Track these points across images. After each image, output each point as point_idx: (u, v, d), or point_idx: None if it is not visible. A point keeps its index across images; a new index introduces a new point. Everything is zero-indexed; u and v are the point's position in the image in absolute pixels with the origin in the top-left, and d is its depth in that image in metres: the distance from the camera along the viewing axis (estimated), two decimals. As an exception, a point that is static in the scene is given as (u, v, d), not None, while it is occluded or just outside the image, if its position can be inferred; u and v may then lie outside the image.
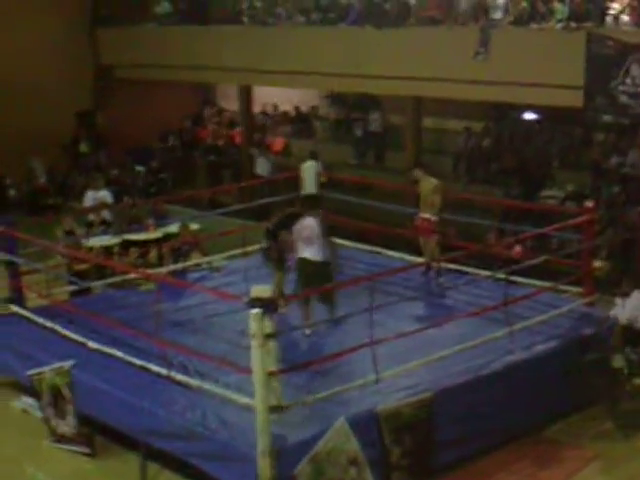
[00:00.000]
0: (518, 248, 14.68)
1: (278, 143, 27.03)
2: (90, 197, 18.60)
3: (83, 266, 16.05)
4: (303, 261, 12.91)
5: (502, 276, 12.78)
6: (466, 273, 14.58)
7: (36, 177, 25.64)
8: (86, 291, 15.38)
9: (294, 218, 13.22)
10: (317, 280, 12.62)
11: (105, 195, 18.70)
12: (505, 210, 18.38)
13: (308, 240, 12.86)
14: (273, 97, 27.80)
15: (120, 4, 27.44)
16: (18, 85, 25.07)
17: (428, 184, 14.64)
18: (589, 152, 20.79)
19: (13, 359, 12.90)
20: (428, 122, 22.41)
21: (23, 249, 14.44)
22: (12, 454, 11.75)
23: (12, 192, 24.53)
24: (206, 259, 16.33)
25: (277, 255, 13.64)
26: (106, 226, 18.00)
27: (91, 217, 18.28)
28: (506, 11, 19.08)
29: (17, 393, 13.11)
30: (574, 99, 17.39)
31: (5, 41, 25.12)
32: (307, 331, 12.62)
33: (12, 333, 13.36)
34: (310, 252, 12.83)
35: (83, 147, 27.29)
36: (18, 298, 14.14)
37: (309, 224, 12.97)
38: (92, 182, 19.52)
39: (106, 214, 18.46)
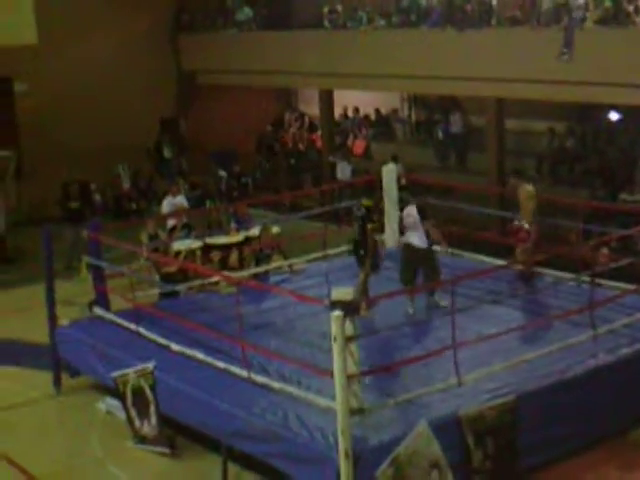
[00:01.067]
0: (605, 251, 14.40)
1: (359, 146, 27.01)
2: (168, 203, 18.89)
3: (172, 269, 16.24)
4: (409, 247, 13.64)
5: (587, 279, 12.60)
6: (550, 276, 14.40)
7: (121, 182, 25.99)
8: (173, 293, 15.56)
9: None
10: (424, 265, 13.57)
11: (182, 201, 19.03)
12: (590, 212, 18.09)
13: (412, 227, 13.53)
14: (354, 100, 27.78)
15: (202, 11, 27.76)
16: (103, 93, 25.52)
17: (522, 191, 14.46)
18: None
19: (98, 361, 13.07)
20: (510, 123, 22.19)
21: (108, 253, 14.64)
22: (96, 455, 11.90)
23: (97, 197, 24.89)
24: (287, 262, 16.37)
25: (365, 249, 13.72)
26: (188, 230, 18.15)
27: (172, 222, 18.45)
28: (588, 10, 18.79)
29: (101, 395, 13.31)
30: (658, 98, 17.14)
31: (90, 50, 25.59)
32: (410, 310, 13.33)
33: (97, 336, 13.53)
34: (415, 238, 13.51)
35: (166, 152, 27.60)
36: (103, 301, 14.33)
37: (411, 212, 13.59)
38: (170, 188, 19.80)
39: (186, 219, 18.67)
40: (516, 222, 14.64)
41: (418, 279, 13.80)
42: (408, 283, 13.72)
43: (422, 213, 13.64)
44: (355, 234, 13.86)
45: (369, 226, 13.65)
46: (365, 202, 13.85)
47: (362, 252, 13.72)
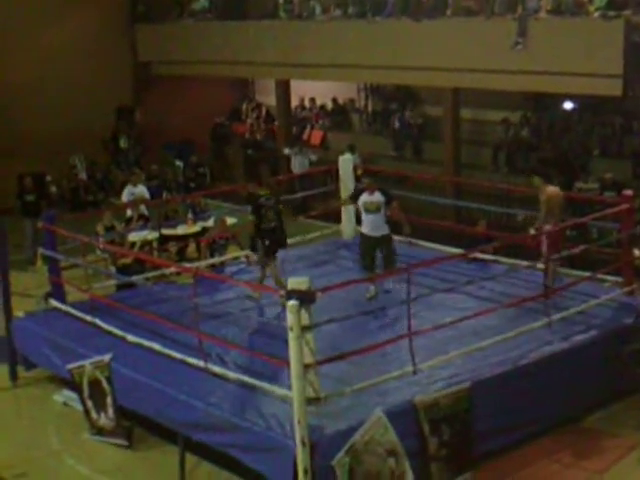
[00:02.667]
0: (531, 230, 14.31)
1: (316, 136, 27.03)
2: (128, 192, 18.79)
3: (127, 260, 16.19)
4: (367, 236, 14.01)
5: (541, 266, 12.72)
6: (505, 263, 14.52)
7: (77, 173, 25.80)
8: (130, 285, 15.50)
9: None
10: (382, 250, 14.01)
11: (142, 190, 18.91)
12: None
13: (374, 212, 13.84)
14: (310, 90, 27.78)
15: (157, 1, 27.60)
16: (57, 82, 25.28)
17: (541, 193, 13.47)
18: (630, 141, 20.59)
19: (54, 353, 13.01)
20: (466, 113, 22.29)
21: (64, 245, 14.56)
22: (54, 447, 11.88)
23: (53, 189, 24.68)
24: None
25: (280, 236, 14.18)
26: (144, 221, 18.08)
27: (129, 212, 18.40)
28: (542, 0, 18.90)
29: (58, 387, 13.27)
30: (613, 88, 17.25)
31: (43, 39, 25.33)
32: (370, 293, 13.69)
33: (53, 328, 13.46)
34: (373, 226, 13.96)
35: (122, 143, 27.43)
36: (58, 293, 14.25)
37: (374, 198, 13.83)
38: (130, 177, 19.70)
39: (144, 209, 18.60)
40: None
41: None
42: (369, 269, 13.97)
43: (387, 196, 13.84)
44: (270, 223, 13.90)
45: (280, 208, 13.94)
46: (263, 191, 13.96)
47: (268, 242, 13.87)
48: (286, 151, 25.05)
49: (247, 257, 16.08)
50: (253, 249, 14.16)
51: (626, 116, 20.78)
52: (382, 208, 13.87)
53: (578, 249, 13.29)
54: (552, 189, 13.34)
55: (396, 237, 15.45)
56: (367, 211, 13.98)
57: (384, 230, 14.00)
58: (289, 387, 9.69)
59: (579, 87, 18.30)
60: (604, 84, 17.43)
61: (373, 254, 14.08)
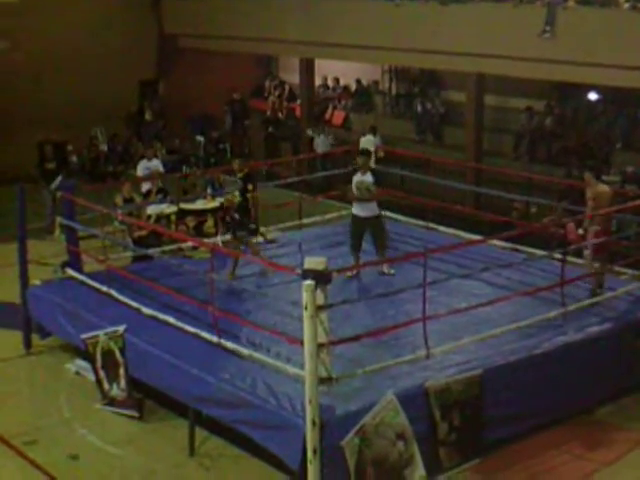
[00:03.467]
0: (579, 230, 14.28)
1: (338, 117, 26.97)
2: (142, 166, 18.73)
3: (143, 233, 16.21)
4: (358, 217, 13.94)
5: (559, 256, 12.68)
6: (523, 252, 14.48)
7: (97, 144, 25.83)
8: (145, 257, 15.53)
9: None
10: (373, 231, 13.98)
11: (157, 165, 18.84)
12: (566, 190, 18.18)
13: (366, 193, 13.76)
14: (335, 70, 27.71)
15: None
16: (82, 53, 25.29)
17: (590, 191, 12.97)
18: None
19: (68, 322, 13.05)
20: (489, 100, 22.20)
21: (82, 215, 14.59)
22: (64, 416, 11.92)
23: (74, 159, 24.71)
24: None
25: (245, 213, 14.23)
26: (163, 195, 18.09)
27: (147, 186, 18.38)
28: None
29: (71, 356, 13.33)
30: (639, 80, 17.15)
31: (71, 10, 25.30)
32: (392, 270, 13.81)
33: (68, 297, 13.49)
34: (365, 208, 13.89)
35: (148, 115, 27.42)
36: (75, 263, 14.28)
37: (365, 178, 13.77)
38: (146, 152, 19.68)
39: (159, 183, 18.61)
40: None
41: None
42: (354, 249, 14.05)
43: (377, 177, 13.91)
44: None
45: (249, 189, 13.90)
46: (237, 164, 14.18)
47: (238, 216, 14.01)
48: (309, 132, 25.03)
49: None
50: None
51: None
52: (372, 189, 13.83)
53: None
54: (603, 187, 12.93)
55: (414, 221, 15.50)
56: (358, 190, 13.94)
57: (373, 210, 13.97)
58: (302, 366, 9.70)
59: (605, 78, 18.21)
60: (630, 76, 17.34)
61: (361, 234, 14.08)
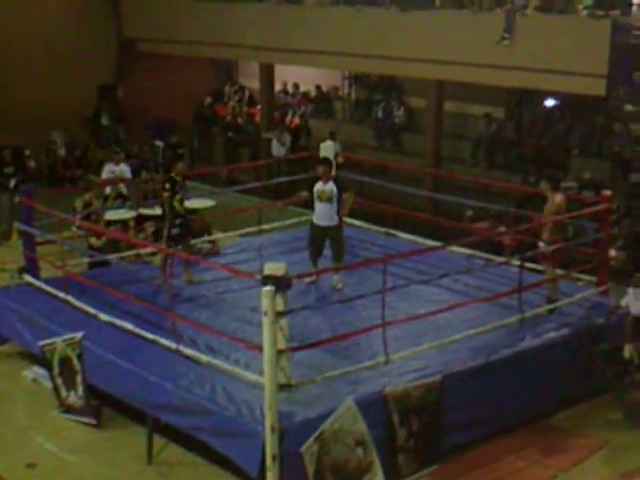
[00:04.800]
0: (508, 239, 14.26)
1: (297, 122, 26.96)
2: (108, 170, 18.65)
3: (99, 243, 16.11)
4: (318, 226, 13.81)
5: (516, 262, 12.75)
6: (481, 258, 14.55)
7: (56, 149, 25.65)
8: (102, 264, 15.42)
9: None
10: (332, 241, 13.84)
11: (123, 169, 18.75)
12: (522, 197, 18.29)
13: (327, 201, 13.63)
14: (294, 76, 27.72)
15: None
16: (40, 57, 25.07)
17: (548, 200, 12.75)
18: (610, 141, 20.65)
19: (25, 329, 12.95)
20: (449, 106, 22.30)
21: (40, 220, 14.48)
22: (21, 424, 11.81)
23: (32, 163, 24.49)
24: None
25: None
26: (122, 200, 17.99)
27: (107, 191, 18.28)
28: (531, -4, 18.95)
29: (28, 363, 13.20)
30: (597, 87, 17.32)
31: (27, 12, 25.08)
32: (339, 285, 13.65)
33: (25, 303, 13.38)
34: (325, 217, 13.72)
35: (104, 120, 27.27)
36: (32, 268, 14.17)
37: (327, 187, 13.65)
38: (112, 155, 19.58)
39: (123, 188, 18.51)
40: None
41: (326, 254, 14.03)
42: (313, 258, 13.93)
43: (341, 185, 13.77)
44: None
45: (165, 194, 13.70)
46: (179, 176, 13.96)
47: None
48: (265, 135, 24.98)
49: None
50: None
51: (607, 117, 20.83)
52: (334, 198, 13.65)
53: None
54: (561, 198, 12.70)
55: (375, 227, 15.52)
56: (319, 199, 13.70)
57: (333, 220, 13.75)
58: (261, 372, 9.69)
59: (563, 85, 18.35)
60: (588, 83, 17.50)
61: (321, 244, 13.89)
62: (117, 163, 18.88)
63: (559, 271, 13.12)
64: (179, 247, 13.69)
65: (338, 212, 13.75)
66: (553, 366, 11.70)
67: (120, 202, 17.93)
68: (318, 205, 13.76)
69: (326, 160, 14.35)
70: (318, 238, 13.91)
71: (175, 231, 13.67)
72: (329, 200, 13.65)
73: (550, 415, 11.70)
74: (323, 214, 13.74)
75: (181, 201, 13.79)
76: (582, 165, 20.02)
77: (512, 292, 12.38)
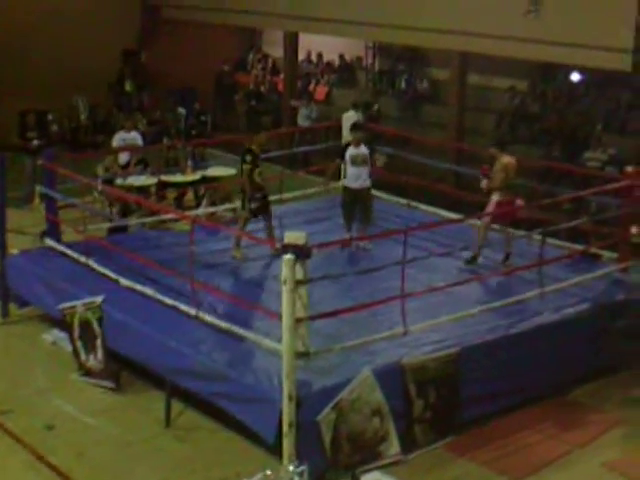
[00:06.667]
0: (519, 201, 14.25)
1: (321, 92, 26.90)
2: (119, 138, 18.39)
3: (115, 208, 16.16)
4: (351, 189, 14.32)
5: (538, 237, 12.73)
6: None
7: (78, 114, 25.67)
8: (123, 229, 15.48)
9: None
10: (362, 204, 14.35)
11: (135, 137, 18.49)
12: (544, 171, 18.23)
13: (361, 165, 14.14)
14: (318, 45, 27.61)
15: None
16: (64, 21, 24.99)
17: (498, 164, 13.46)
18: (635, 117, 20.51)
19: (46, 292, 12.99)
20: (472, 79, 22.18)
21: (62, 184, 14.52)
22: (41, 386, 11.90)
23: (54, 128, 24.55)
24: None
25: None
26: (143, 166, 17.97)
27: (126, 157, 18.15)
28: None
29: (48, 326, 13.28)
30: (623, 62, 17.15)
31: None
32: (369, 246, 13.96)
33: (47, 267, 13.45)
34: (358, 180, 14.23)
35: (128, 86, 27.23)
36: (54, 232, 14.23)
37: (360, 150, 14.14)
38: (125, 123, 19.45)
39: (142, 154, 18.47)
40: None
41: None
42: (346, 221, 14.36)
43: (371, 148, 14.34)
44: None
45: (244, 167, 13.62)
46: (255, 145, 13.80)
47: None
48: (293, 103, 24.90)
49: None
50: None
51: (633, 92, 20.67)
52: (368, 161, 14.17)
53: (575, 222, 13.31)
54: (508, 158, 13.41)
55: (396, 199, 15.51)
56: (354, 164, 14.15)
57: (366, 183, 14.28)
58: (279, 340, 9.72)
59: (589, 60, 18.16)
60: (614, 58, 17.31)
61: (354, 207, 14.34)
62: (128, 130, 18.62)
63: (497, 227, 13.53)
64: (262, 220, 13.77)
65: (370, 175, 14.24)
66: (571, 341, 11.68)
67: (141, 168, 17.90)
68: (352, 169, 14.19)
69: (360, 126, 14.85)
70: (352, 201, 14.31)
71: (255, 204, 13.63)
72: (364, 163, 14.12)
73: (568, 390, 11.69)
74: (358, 176, 14.18)
75: (261, 174, 13.67)
76: (605, 140, 19.89)
77: (532, 265, 12.35)
